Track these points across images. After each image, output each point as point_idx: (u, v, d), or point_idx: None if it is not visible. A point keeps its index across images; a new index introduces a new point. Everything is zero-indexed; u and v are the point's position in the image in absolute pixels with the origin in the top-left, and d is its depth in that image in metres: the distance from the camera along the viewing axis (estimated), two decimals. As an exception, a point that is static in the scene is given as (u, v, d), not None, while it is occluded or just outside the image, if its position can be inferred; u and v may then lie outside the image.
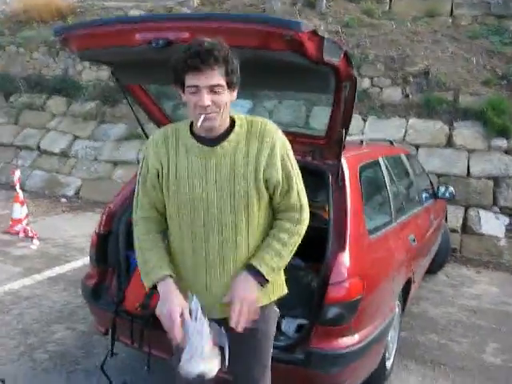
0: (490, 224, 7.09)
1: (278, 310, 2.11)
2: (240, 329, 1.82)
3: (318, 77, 2.31)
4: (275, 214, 1.97)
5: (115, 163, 9.65)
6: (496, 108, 7.83)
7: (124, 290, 2.94)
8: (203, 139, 1.90)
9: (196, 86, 1.77)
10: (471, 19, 10.08)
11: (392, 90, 8.71)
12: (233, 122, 1.92)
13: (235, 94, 1.89)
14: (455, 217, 7.06)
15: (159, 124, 3.37)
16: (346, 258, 2.53)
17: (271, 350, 2.11)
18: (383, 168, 3.65)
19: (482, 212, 7.18)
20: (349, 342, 2.53)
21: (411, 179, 4.63)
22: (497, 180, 7.37)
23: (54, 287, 4.91)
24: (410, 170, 4.67)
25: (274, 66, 2.22)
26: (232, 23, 2.06)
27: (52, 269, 5.42)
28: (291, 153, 1.95)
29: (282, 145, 1.90)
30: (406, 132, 8.18)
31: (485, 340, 4.27)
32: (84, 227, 7.33)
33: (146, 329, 2.74)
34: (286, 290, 2.08)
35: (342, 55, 2.20)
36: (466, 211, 7.24)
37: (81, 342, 3.83)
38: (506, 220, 7.11)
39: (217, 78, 1.76)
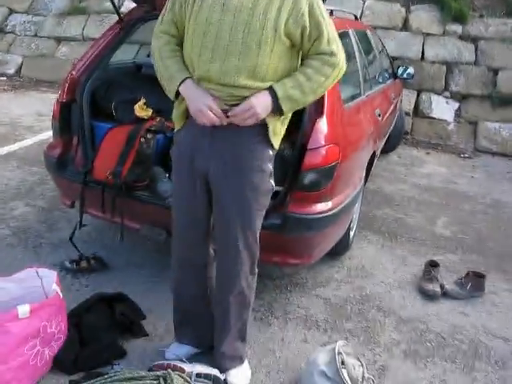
0: (441, 108, 7.24)
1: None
2: (233, 119, 1.90)
3: None
4: (306, 57, 1.95)
5: (58, 39, 9.09)
6: (454, -9, 7.72)
7: (92, 159, 2.84)
8: None
9: None
10: None
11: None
12: None
13: None
14: (408, 100, 7.15)
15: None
16: (323, 124, 2.51)
17: (261, 210, 2.09)
18: (353, 40, 3.58)
19: (433, 96, 7.30)
20: (324, 207, 2.58)
21: (376, 56, 4.58)
22: (449, 65, 7.42)
23: (6, 165, 4.73)
24: (375, 47, 4.61)
25: None
26: None
27: (1, 147, 5.19)
28: (322, 3, 1.92)
29: None
30: (362, 13, 7.99)
31: (436, 214, 4.49)
32: (29, 106, 7.05)
33: (118, 197, 2.71)
34: (277, 146, 2.05)
35: None
36: (418, 95, 7.34)
37: (42, 217, 3.76)
38: (456, 105, 7.27)
39: None
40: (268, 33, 1.82)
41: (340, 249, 3.36)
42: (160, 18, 2.06)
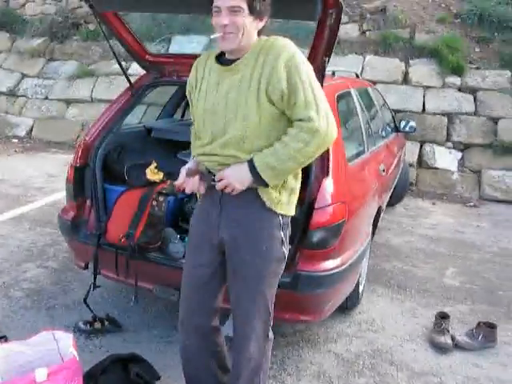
0: (444, 158, 7.35)
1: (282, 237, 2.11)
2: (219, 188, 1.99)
3: (306, 3, 2.30)
4: None
5: (68, 102, 9.36)
6: (450, 46, 7.98)
7: (105, 222, 2.92)
8: (225, 61, 2.01)
9: (218, 7, 1.88)
10: (427, -45, 10.04)
11: (349, 27, 8.67)
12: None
13: (261, 23, 1.96)
14: (411, 152, 7.27)
15: (137, 57, 3.25)
16: (329, 183, 2.60)
17: (273, 277, 2.13)
18: (355, 99, 3.71)
19: (436, 147, 7.43)
20: (333, 264, 2.64)
21: (378, 112, 4.72)
22: (450, 116, 7.59)
23: (18, 227, 4.82)
24: (376, 103, 4.76)
25: None
26: None
27: (14, 209, 5.30)
28: (302, 64, 1.92)
29: (288, 57, 1.90)
30: (363, 69, 8.24)
31: (444, 265, 4.52)
32: (40, 167, 7.21)
33: (131, 259, 2.77)
34: (292, 212, 2.11)
35: (330, -18, 2.19)
36: (421, 147, 7.47)
37: (55, 278, 3.82)
38: (459, 154, 7.39)
39: (237, 0, 1.84)
40: (251, 105, 1.91)
41: (350, 304, 3.39)
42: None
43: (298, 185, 2.13)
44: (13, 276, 3.80)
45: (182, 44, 9.00)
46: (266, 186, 1.95)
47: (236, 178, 1.93)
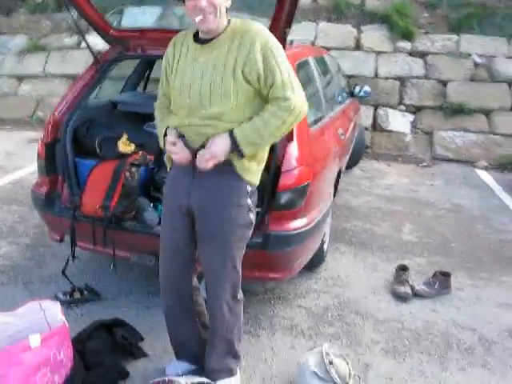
0: (397, 121, 7.64)
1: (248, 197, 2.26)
2: (202, 165, 2.10)
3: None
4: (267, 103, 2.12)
5: (19, 78, 9.17)
6: (400, 12, 8.22)
7: (80, 195, 3.01)
8: (201, 40, 2.13)
9: None
10: None
11: (301, -6, 8.74)
12: (228, 25, 2.11)
13: (229, 1, 2.09)
14: (366, 116, 7.51)
15: (101, 32, 3.29)
16: (294, 148, 2.76)
17: (240, 241, 2.28)
18: (313, 67, 3.86)
19: (389, 110, 7.71)
20: (300, 223, 2.82)
21: (334, 78, 4.89)
22: (402, 80, 7.86)
23: (-17, 206, 4.82)
24: (332, 70, 4.92)
25: None
26: None
27: (-24, 188, 5.28)
28: (276, 48, 2.07)
29: (264, 41, 2.04)
30: (316, 35, 8.39)
31: (401, 222, 4.79)
32: (-4, 145, 7.09)
33: (108, 229, 2.88)
34: (257, 182, 2.26)
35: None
36: (375, 110, 7.73)
37: (28, 254, 3.88)
38: (411, 117, 7.69)
39: None
40: (228, 84, 2.04)
41: (316, 261, 3.60)
42: (158, 94, 2.42)
43: (265, 155, 2.29)
44: (-15, 253, 3.85)
45: (134, 16, 8.87)
46: (242, 156, 2.10)
47: (219, 148, 2.07)
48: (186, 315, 2.47)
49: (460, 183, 6.17)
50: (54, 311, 2.41)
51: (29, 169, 5.97)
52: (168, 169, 2.37)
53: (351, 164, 6.14)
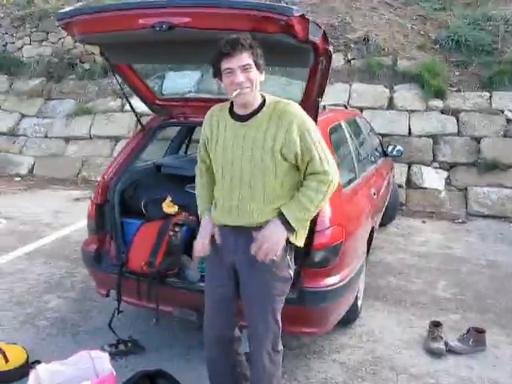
0: (431, 178, 7.73)
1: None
2: (258, 258, 2.28)
3: (300, 53, 2.65)
4: (305, 178, 2.33)
5: (67, 139, 9.68)
6: (431, 71, 8.43)
7: (126, 252, 3.23)
8: (238, 116, 2.33)
9: (230, 68, 2.18)
10: (404, -14, 10.60)
11: (335, 57, 9.05)
12: (263, 102, 2.32)
13: (263, 75, 2.29)
14: (400, 173, 7.64)
15: (147, 101, 3.60)
16: (327, 209, 2.94)
17: (280, 295, 2.45)
18: (345, 130, 4.07)
19: (423, 168, 7.82)
20: (333, 280, 2.96)
21: (366, 139, 5.09)
22: (435, 138, 8.00)
23: (33, 261, 5.09)
24: (364, 131, 5.13)
25: (263, 44, 2.53)
26: (233, 9, 2.37)
27: (27, 245, 5.57)
28: (311, 127, 2.31)
29: (300, 123, 2.27)
30: (349, 96, 8.66)
31: (435, 279, 4.84)
32: (45, 204, 7.49)
33: (153, 284, 3.07)
34: (301, 244, 2.46)
35: (321, 34, 2.57)
36: (409, 168, 7.85)
37: (75, 308, 4.09)
38: (445, 174, 7.78)
39: (246, 59, 2.17)
40: (267, 161, 2.26)
41: (350, 317, 3.69)
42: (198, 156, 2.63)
43: (308, 222, 2.48)
44: (36, 307, 4.08)
45: (174, 80, 9.37)
46: (293, 231, 2.32)
47: (276, 239, 2.28)
48: (228, 365, 2.61)
49: (495, 239, 6.19)
50: (102, 361, 2.59)
51: (75, 226, 6.29)
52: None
53: (386, 221, 6.25)
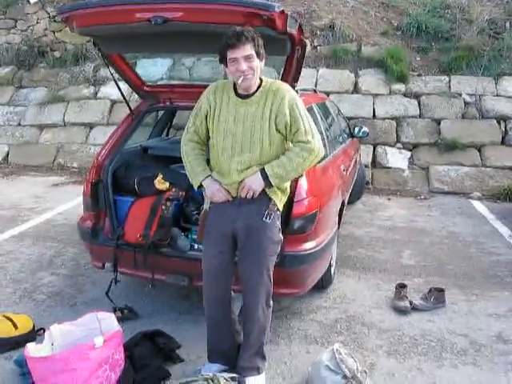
0: (395, 158, 8.22)
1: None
2: (243, 195, 2.68)
3: (279, 43, 2.98)
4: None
5: (41, 127, 9.80)
6: (394, 56, 8.89)
7: (122, 226, 3.53)
8: (240, 95, 2.68)
9: (235, 58, 2.51)
10: (367, -26, 10.99)
11: (302, 43, 9.41)
12: (261, 83, 2.67)
13: (263, 63, 2.63)
14: (366, 154, 8.08)
15: (136, 88, 3.87)
16: (304, 182, 3.29)
17: (273, 255, 2.83)
18: (316, 112, 4.42)
19: (387, 148, 8.29)
20: (310, 245, 3.32)
21: (335, 121, 5.47)
22: (398, 120, 8.48)
23: (22, 243, 5.32)
24: (333, 114, 5.50)
25: None
26: (222, 5, 2.68)
27: (13, 228, 5.78)
28: (300, 103, 2.68)
29: (290, 98, 2.65)
30: (317, 81, 9.04)
31: (401, 249, 5.28)
32: (25, 189, 7.67)
33: (148, 254, 3.38)
34: (280, 207, 2.83)
35: (298, 27, 2.91)
36: (374, 149, 8.31)
37: (69, 282, 4.37)
38: (408, 154, 8.27)
39: (248, 50, 2.51)
40: (265, 131, 2.63)
41: (325, 282, 4.08)
42: (186, 129, 2.87)
43: (288, 188, 2.88)
44: (31, 283, 4.33)
45: (146, 67, 9.54)
46: (271, 186, 2.67)
47: (255, 184, 2.65)
48: (225, 323, 2.96)
49: (455, 213, 6.68)
50: (109, 321, 2.90)
51: (57, 210, 6.54)
52: (207, 204, 2.87)
53: (354, 199, 6.66)
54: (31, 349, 2.68)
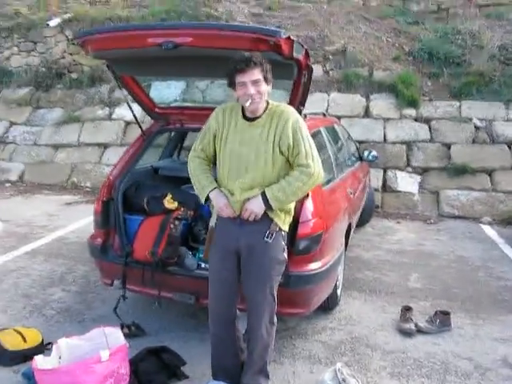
0: (405, 182, 8.25)
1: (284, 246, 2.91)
2: (246, 217, 2.75)
3: (286, 67, 3.08)
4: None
5: (56, 146, 9.98)
6: (405, 81, 8.99)
7: (131, 243, 3.61)
8: (247, 117, 2.77)
9: (244, 82, 2.61)
10: (379, 1, 11.18)
11: (314, 68, 9.49)
12: (267, 106, 2.76)
13: (270, 86, 2.72)
14: (376, 178, 8.12)
15: (147, 109, 3.99)
16: (309, 204, 3.35)
17: (277, 275, 2.89)
18: (324, 136, 4.50)
19: (398, 172, 8.33)
20: (316, 266, 3.37)
21: (343, 144, 5.54)
22: (409, 144, 8.54)
23: (34, 260, 5.42)
24: (341, 137, 5.58)
25: None
26: (231, 31, 2.79)
27: (25, 245, 5.89)
28: (303, 127, 2.76)
29: (294, 121, 2.74)
30: (328, 105, 9.16)
31: (408, 272, 5.29)
32: (38, 207, 7.81)
33: (156, 272, 3.45)
34: (287, 229, 2.90)
35: (304, 52, 3.01)
36: (384, 173, 8.35)
37: (78, 299, 4.44)
38: (418, 178, 8.30)
39: (257, 74, 2.61)
40: (268, 154, 2.71)
41: (331, 304, 4.12)
42: (193, 148, 2.97)
43: (292, 209, 2.93)
44: (41, 299, 4.41)
45: (160, 89, 9.73)
46: (271, 209, 2.74)
47: (256, 208, 2.72)
48: (229, 340, 3.01)
49: (464, 237, 6.68)
50: (116, 335, 2.96)
51: (69, 228, 6.65)
52: (214, 220, 2.94)
53: (363, 222, 6.70)
54: (39, 361, 2.74)
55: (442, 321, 3.94)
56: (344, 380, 2.87)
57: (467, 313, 4.30)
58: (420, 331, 3.89)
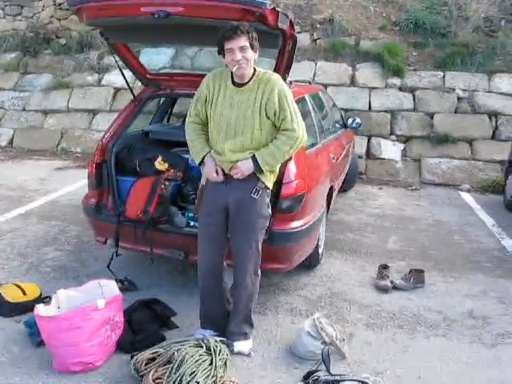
0: (389, 150, 8.48)
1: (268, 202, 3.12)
2: (233, 175, 2.97)
3: (271, 37, 3.24)
4: (278, 133, 2.97)
5: (45, 112, 10.05)
6: (391, 51, 9.12)
7: (124, 203, 3.80)
8: (236, 83, 2.94)
9: (231, 48, 2.78)
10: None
11: (302, 36, 9.64)
12: (254, 73, 2.93)
13: (257, 54, 2.89)
14: (360, 145, 8.34)
15: (139, 75, 4.14)
16: (292, 166, 3.56)
17: (262, 229, 3.11)
18: (308, 102, 4.68)
19: (381, 140, 8.54)
20: (297, 224, 3.60)
21: (327, 111, 5.73)
22: (393, 113, 8.73)
23: (28, 221, 5.60)
24: (326, 104, 5.76)
25: None
26: (220, 2, 2.95)
27: (19, 208, 6.07)
28: (288, 93, 2.94)
29: (280, 87, 2.92)
30: (315, 73, 9.29)
31: (387, 235, 5.55)
32: (29, 172, 7.95)
33: (148, 229, 3.66)
34: (270, 186, 3.10)
35: (289, 22, 3.17)
36: (368, 140, 8.57)
37: (72, 257, 4.65)
38: (401, 146, 8.53)
39: (243, 41, 2.78)
40: (256, 117, 2.90)
41: (313, 262, 4.36)
42: (188, 113, 3.14)
43: (277, 169, 3.14)
44: (37, 257, 4.62)
45: (150, 55, 9.78)
46: (261, 171, 2.95)
47: (245, 168, 2.93)
48: (216, 292, 3.24)
49: (443, 203, 6.95)
50: (110, 287, 3.18)
51: (61, 192, 6.82)
52: (204, 181, 3.15)
53: (346, 187, 6.93)
54: (40, 309, 2.96)
55: (416, 278, 4.21)
56: (322, 328, 3.12)
57: (440, 272, 4.58)
58: (395, 288, 4.16)
